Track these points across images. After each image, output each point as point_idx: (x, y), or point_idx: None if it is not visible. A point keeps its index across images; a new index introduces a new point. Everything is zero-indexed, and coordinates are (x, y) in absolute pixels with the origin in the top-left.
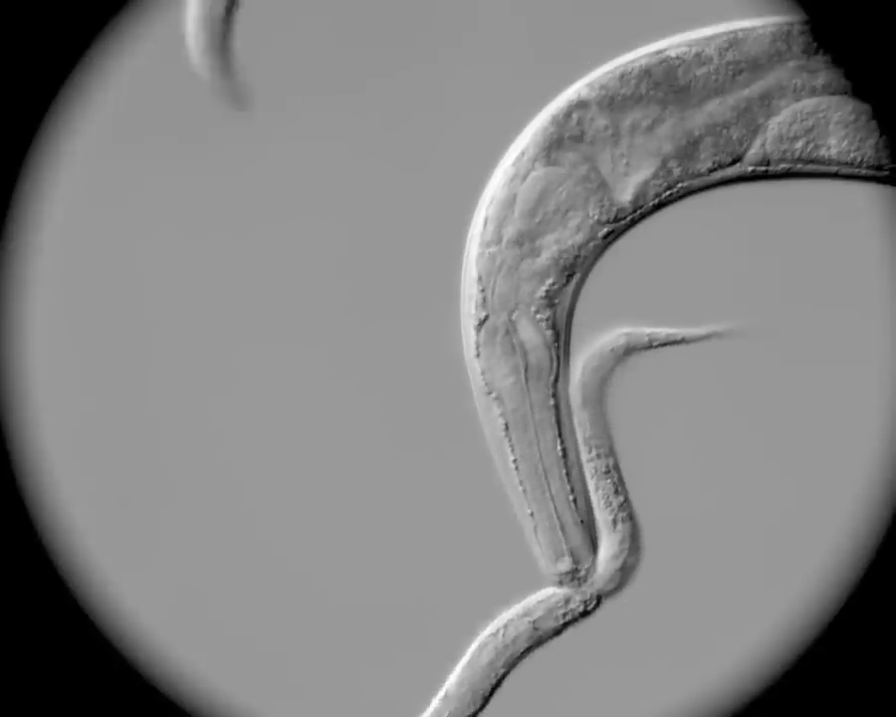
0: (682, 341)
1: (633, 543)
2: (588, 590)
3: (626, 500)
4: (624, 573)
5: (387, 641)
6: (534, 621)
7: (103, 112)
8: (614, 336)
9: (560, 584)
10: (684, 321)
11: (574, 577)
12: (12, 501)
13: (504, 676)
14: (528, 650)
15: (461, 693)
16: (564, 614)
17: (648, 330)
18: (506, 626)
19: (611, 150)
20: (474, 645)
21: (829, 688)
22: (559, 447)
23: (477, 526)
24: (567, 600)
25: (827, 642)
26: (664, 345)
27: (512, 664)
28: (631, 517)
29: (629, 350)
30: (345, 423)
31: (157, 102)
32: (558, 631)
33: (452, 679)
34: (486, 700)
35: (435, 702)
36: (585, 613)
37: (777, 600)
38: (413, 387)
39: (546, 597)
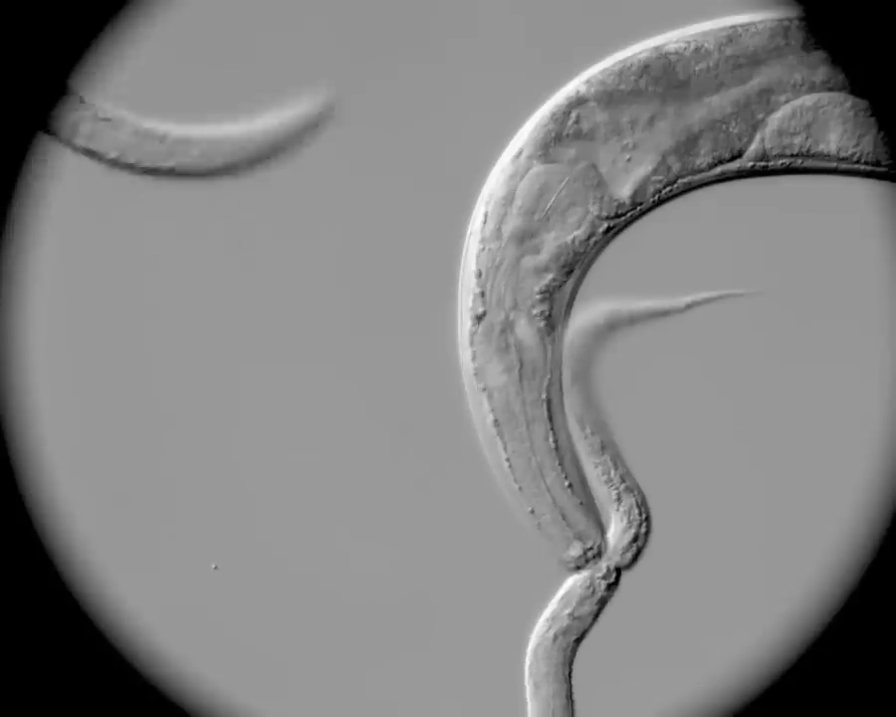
0: (665, 313)
1: (641, 513)
2: (605, 564)
3: (627, 473)
4: (637, 543)
5: (388, 642)
6: (571, 612)
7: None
8: (597, 312)
9: (578, 568)
10: (666, 294)
11: (588, 557)
12: (12, 501)
13: (570, 675)
14: (578, 641)
15: (546, 712)
16: (593, 594)
17: (631, 305)
18: (549, 630)
19: (611, 147)
20: (528, 664)
21: (829, 688)
22: (551, 440)
23: (483, 524)
24: (591, 583)
25: (827, 642)
26: (648, 319)
27: (570, 661)
28: (633, 489)
29: (613, 326)
30: (344, 422)
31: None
32: (596, 613)
33: (530, 703)
34: (572, 702)
35: None
36: (610, 587)
37: (776, 599)
38: (411, 384)
39: (570, 586)
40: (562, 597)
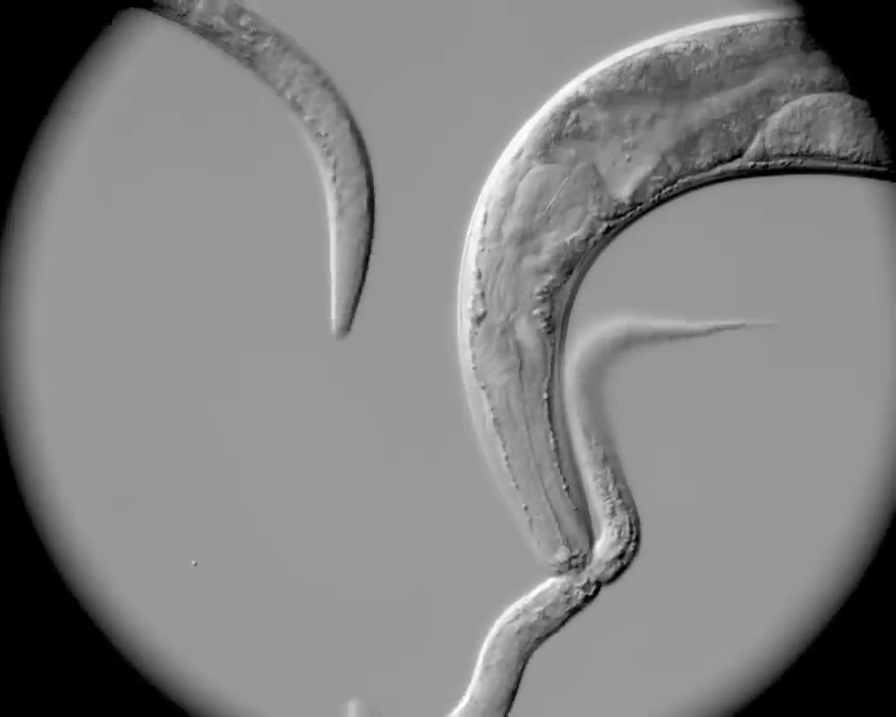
0: (684, 334)
1: (632, 531)
2: (587, 575)
3: (625, 489)
4: (623, 560)
5: (387, 641)
6: (542, 611)
7: (103, 109)
8: (616, 326)
9: (560, 572)
10: (684, 314)
11: (572, 564)
12: (12, 501)
13: (522, 671)
14: (539, 642)
15: (487, 695)
16: (569, 601)
17: (650, 322)
18: (514, 620)
19: (611, 147)
20: (485, 646)
21: (829, 688)
22: (551, 440)
23: (473, 522)
24: (569, 588)
25: (827, 642)
26: (666, 338)
27: (526, 658)
28: (629, 506)
29: (631, 341)
30: (342, 421)
31: (158, 98)
32: (564, 620)
33: (474, 683)
34: (513, 698)
35: (463, 705)
36: (588, 600)
37: (776, 600)
38: (410, 384)
39: (547, 587)
40: (537, 595)
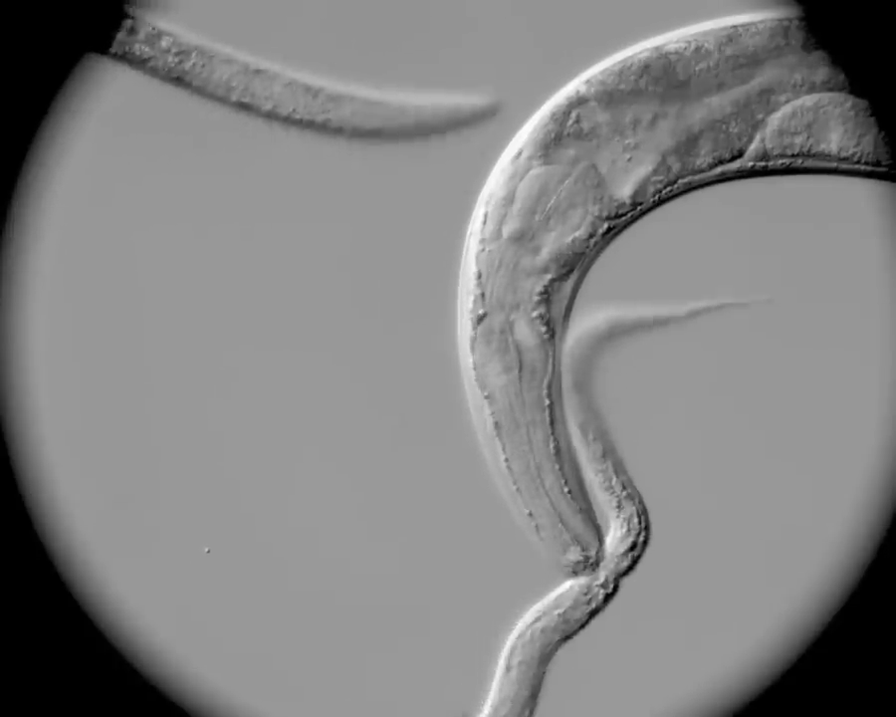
0: (667, 321)
1: (640, 522)
2: (603, 574)
3: (628, 481)
4: (635, 552)
5: (389, 641)
6: (562, 613)
7: (102, 111)
8: (599, 319)
9: (575, 574)
10: (669, 302)
11: (587, 564)
12: (12, 501)
13: (544, 674)
14: (560, 643)
15: (510, 699)
16: (589, 601)
17: (633, 312)
18: (535, 622)
19: (611, 147)
20: (506, 650)
21: (829, 688)
22: (551, 444)
23: (481, 525)
24: (587, 588)
25: (827, 642)
26: (650, 326)
27: (547, 660)
28: (634, 497)
29: (615, 332)
30: (341, 421)
31: (157, 99)
32: (584, 621)
33: (495, 687)
34: (536, 701)
35: (486, 711)
36: (608, 598)
37: (777, 599)
38: (410, 384)
39: (566, 589)
40: (557, 597)
